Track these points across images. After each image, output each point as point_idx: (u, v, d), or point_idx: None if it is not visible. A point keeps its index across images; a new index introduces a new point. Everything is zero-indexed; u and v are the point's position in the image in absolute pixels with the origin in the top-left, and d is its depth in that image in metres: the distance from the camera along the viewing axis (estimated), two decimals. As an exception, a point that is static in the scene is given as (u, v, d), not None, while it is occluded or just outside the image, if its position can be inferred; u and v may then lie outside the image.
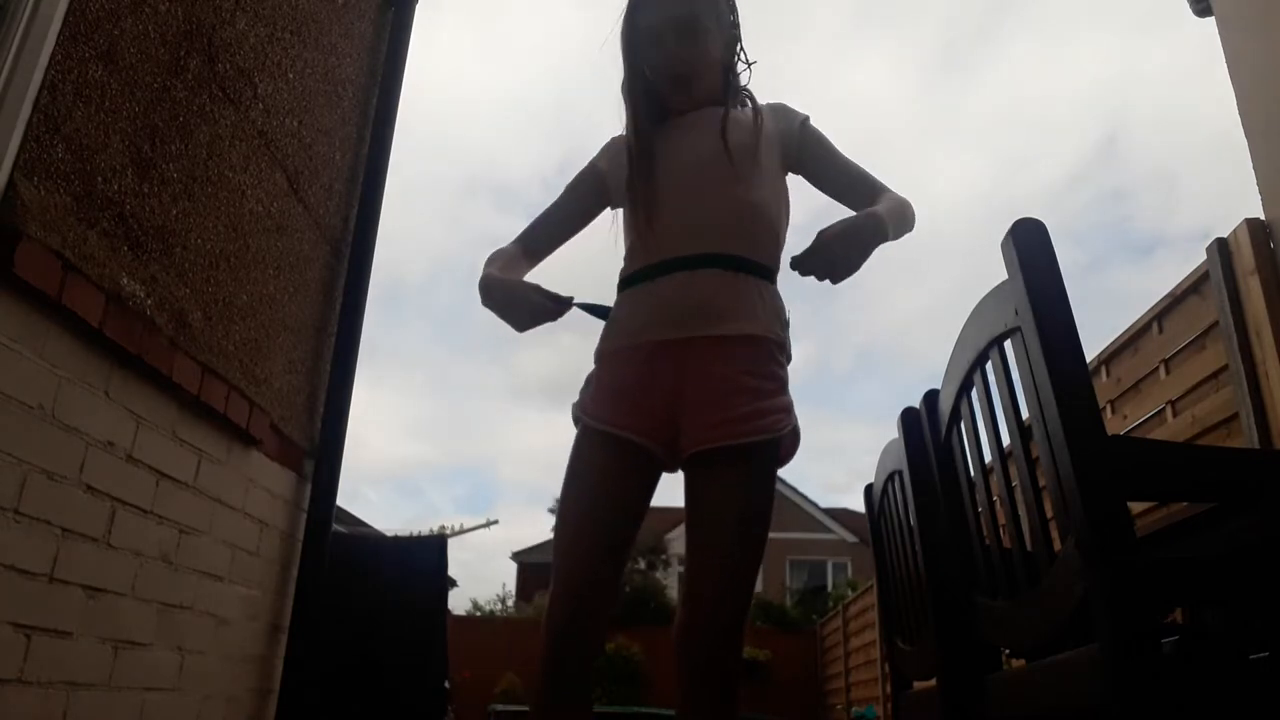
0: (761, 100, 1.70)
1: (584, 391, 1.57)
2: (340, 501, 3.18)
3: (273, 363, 2.71)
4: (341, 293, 3.22)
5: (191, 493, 2.29)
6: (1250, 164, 2.73)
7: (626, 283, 1.60)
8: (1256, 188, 2.69)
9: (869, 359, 39.89)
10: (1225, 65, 2.97)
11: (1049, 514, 1.16)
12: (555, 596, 1.44)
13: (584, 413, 1.53)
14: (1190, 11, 3.53)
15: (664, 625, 12.50)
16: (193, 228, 2.25)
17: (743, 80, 1.69)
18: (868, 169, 1.64)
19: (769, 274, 1.56)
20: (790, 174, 1.67)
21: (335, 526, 3.14)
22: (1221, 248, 2.65)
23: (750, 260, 1.52)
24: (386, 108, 3.48)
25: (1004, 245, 1.15)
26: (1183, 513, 1.34)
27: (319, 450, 3.08)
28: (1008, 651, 1.74)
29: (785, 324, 1.56)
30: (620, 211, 1.69)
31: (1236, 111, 2.85)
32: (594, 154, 1.74)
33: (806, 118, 1.67)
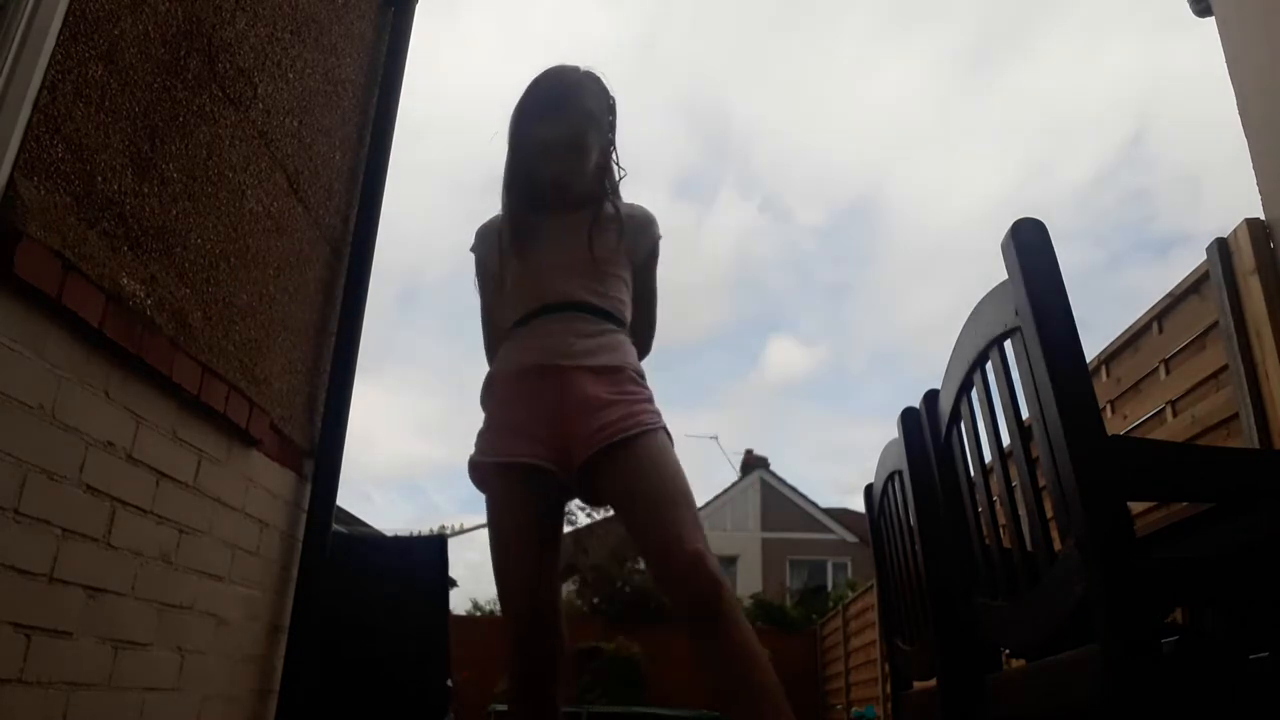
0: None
1: (477, 445, 1.81)
2: (347, 503, 3.19)
3: (273, 363, 2.71)
4: (341, 293, 3.22)
5: (191, 493, 2.29)
6: (1251, 164, 2.73)
7: (505, 335, 1.89)
8: (1257, 188, 2.69)
9: (885, 360, 39.92)
10: (1225, 65, 2.97)
11: (1049, 514, 1.16)
12: (508, 625, 1.67)
13: (480, 455, 1.77)
14: (1190, 12, 3.53)
15: (664, 625, 12.50)
16: (193, 228, 2.25)
17: (618, 177, 1.97)
18: (658, 300, 2.04)
19: (623, 328, 1.88)
20: None
21: (335, 526, 3.14)
22: (1221, 248, 2.65)
23: (607, 311, 1.84)
24: (386, 108, 3.48)
25: (1004, 245, 1.15)
26: (1183, 513, 1.34)
27: (319, 450, 3.08)
28: (1008, 651, 1.74)
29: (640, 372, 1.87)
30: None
31: (1237, 111, 2.85)
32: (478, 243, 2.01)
33: (660, 238, 1.99)
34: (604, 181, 1.93)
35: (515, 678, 1.66)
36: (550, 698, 1.66)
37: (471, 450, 1.82)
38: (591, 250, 1.83)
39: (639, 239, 1.94)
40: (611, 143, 1.94)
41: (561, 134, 1.84)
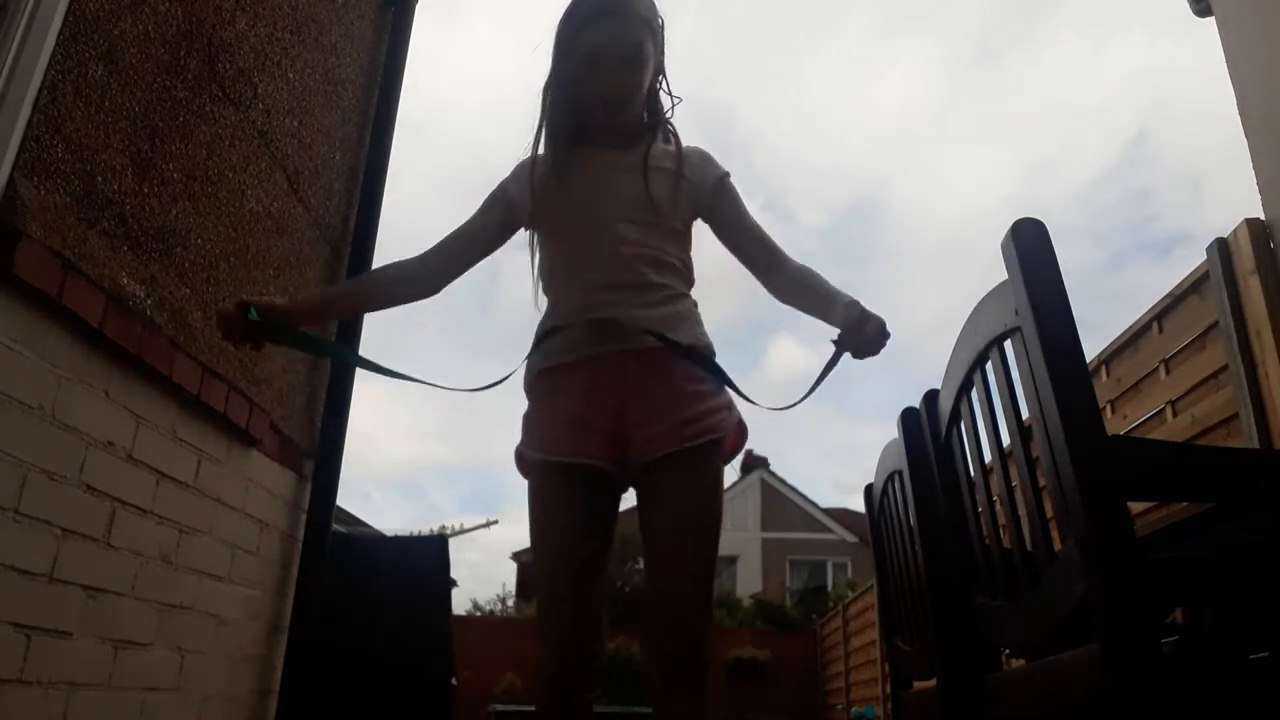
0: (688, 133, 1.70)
1: (523, 435, 1.61)
2: (347, 503, 3.19)
3: (273, 363, 2.71)
4: (341, 293, 3.22)
5: (191, 493, 2.29)
6: (1251, 164, 2.73)
7: (552, 308, 1.64)
8: (1257, 188, 2.69)
9: (885, 360, 39.83)
10: (1225, 65, 2.97)
11: (1049, 514, 1.16)
12: (546, 637, 1.50)
13: (530, 450, 1.57)
14: (1191, 12, 3.53)
15: (664, 625, 12.50)
16: (193, 228, 2.25)
17: (667, 109, 1.70)
18: (768, 233, 1.70)
19: (688, 292, 1.65)
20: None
21: (335, 526, 3.14)
22: (1221, 248, 2.64)
23: (673, 267, 1.61)
24: (386, 108, 3.48)
25: (1004, 245, 1.15)
26: (1183, 513, 1.34)
27: (319, 450, 3.08)
28: (1008, 651, 1.74)
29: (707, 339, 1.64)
30: (532, 233, 1.71)
31: (1237, 111, 2.85)
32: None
33: (726, 174, 1.69)
34: (653, 108, 1.69)
35: (547, 679, 1.51)
36: (582, 704, 1.52)
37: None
38: (649, 193, 1.59)
39: (700, 177, 1.67)
40: (662, 68, 1.68)
41: (616, 39, 1.59)
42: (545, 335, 1.60)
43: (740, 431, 1.60)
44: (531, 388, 1.62)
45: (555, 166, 1.62)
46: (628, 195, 1.60)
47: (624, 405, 1.51)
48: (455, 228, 1.69)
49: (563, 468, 1.53)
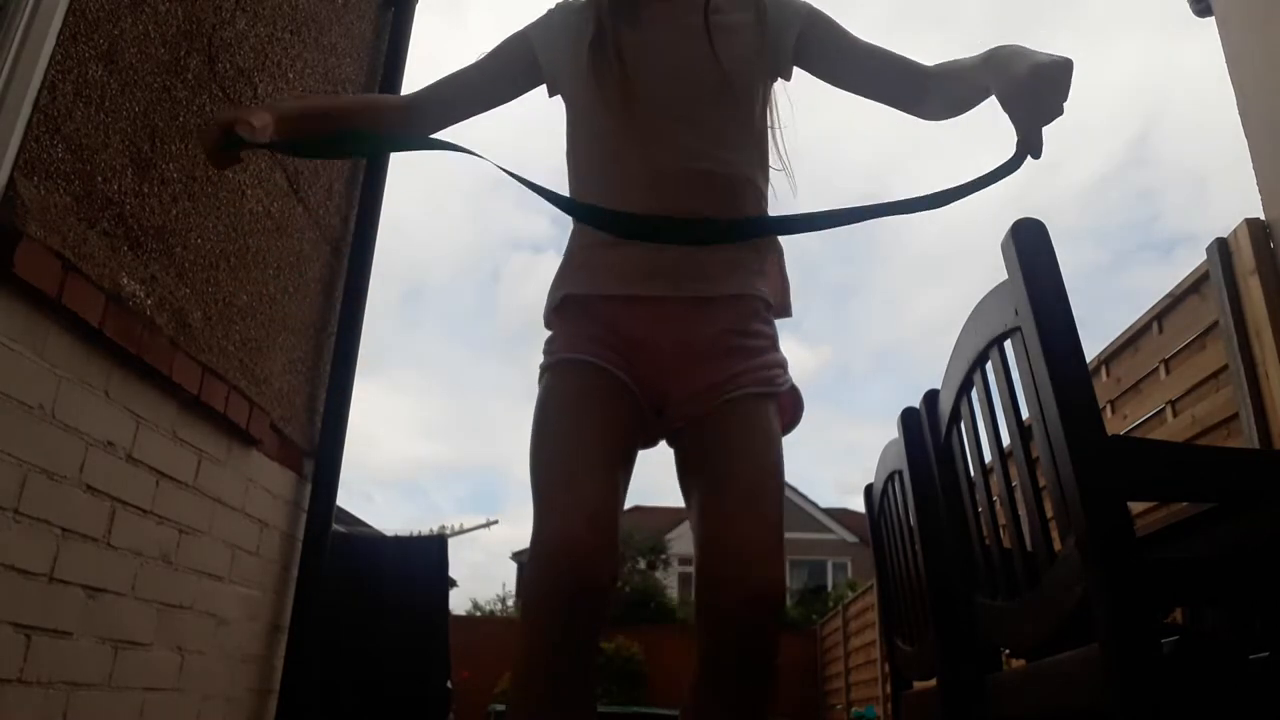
0: None
1: (547, 348, 1.34)
2: (347, 503, 3.19)
3: (273, 363, 2.71)
4: (341, 293, 3.23)
5: (191, 493, 2.29)
6: (1251, 164, 2.74)
7: (585, 209, 1.33)
8: (1257, 188, 2.70)
9: (890, 360, 40.12)
10: (1225, 65, 2.97)
11: (1049, 514, 1.16)
12: (549, 524, 1.12)
13: (555, 352, 1.31)
14: (1191, 12, 3.53)
15: (664, 625, 12.51)
16: (193, 228, 2.25)
17: None
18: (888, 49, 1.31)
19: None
20: (784, 76, 1.38)
21: (335, 526, 3.14)
22: (1221, 248, 2.65)
23: (740, 179, 1.30)
24: (386, 108, 3.48)
25: (1004, 245, 1.15)
26: (1183, 513, 1.34)
27: (319, 450, 3.08)
28: (1008, 651, 1.74)
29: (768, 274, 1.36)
30: (562, 103, 1.38)
31: (1237, 111, 2.86)
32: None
33: (810, 7, 1.35)
34: None
35: (544, 595, 1.08)
36: (593, 627, 1.11)
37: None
38: (719, 64, 1.26)
39: (782, 20, 1.32)
40: None
41: None
42: (571, 251, 1.35)
43: (794, 400, 1.35)
44: (551, 315, 1.35)
45: (600, 24, 1.29)
46: (688, 72, 1.28)
47: (659, 353, 1.27)
48: (449, 74, 1.38)
49: (586, 363, 1.26)
